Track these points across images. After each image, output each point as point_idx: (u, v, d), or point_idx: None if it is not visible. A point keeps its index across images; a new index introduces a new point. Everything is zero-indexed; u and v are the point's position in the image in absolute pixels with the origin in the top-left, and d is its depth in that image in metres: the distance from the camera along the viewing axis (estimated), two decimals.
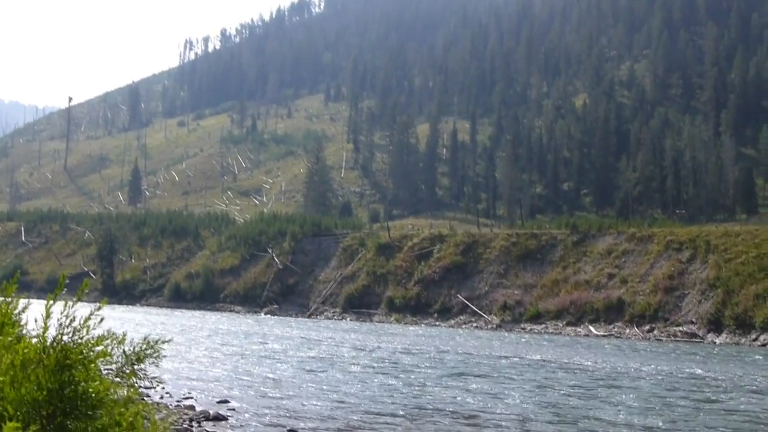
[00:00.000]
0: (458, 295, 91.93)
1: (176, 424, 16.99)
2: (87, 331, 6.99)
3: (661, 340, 72.78)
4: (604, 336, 75.67)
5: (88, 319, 6.99)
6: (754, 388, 31.81)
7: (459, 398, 25.02)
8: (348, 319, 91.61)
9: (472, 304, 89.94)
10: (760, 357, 51.67)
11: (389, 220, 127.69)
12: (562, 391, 28.00)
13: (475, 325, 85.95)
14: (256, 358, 37.62)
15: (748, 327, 71.79)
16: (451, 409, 22.37)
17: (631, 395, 27.75)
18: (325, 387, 26.38)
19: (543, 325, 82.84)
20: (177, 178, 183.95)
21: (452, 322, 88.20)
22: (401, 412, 21.20)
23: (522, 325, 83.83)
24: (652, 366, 41.39)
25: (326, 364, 35.65)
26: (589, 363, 41.76)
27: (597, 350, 54.16)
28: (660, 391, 29.63)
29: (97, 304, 7.07)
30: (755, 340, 69.75)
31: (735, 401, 27.34)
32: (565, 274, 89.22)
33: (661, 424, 21.30)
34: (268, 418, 19.82)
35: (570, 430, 19.51)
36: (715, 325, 74.12)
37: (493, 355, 45.36)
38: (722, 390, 30.86)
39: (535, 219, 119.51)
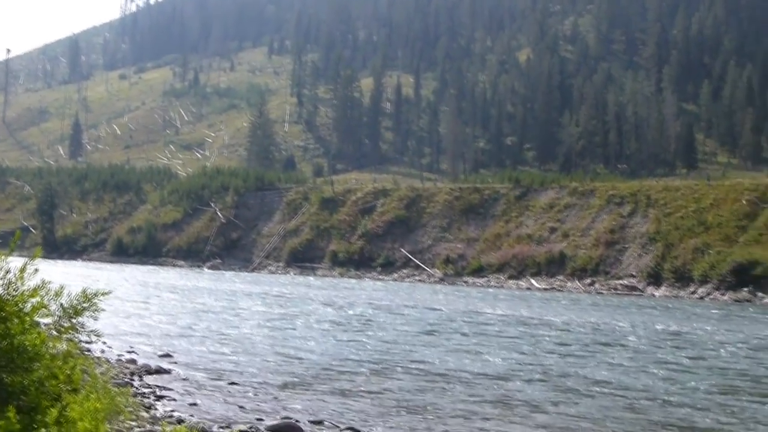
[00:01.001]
0: (402, 249, 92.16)
1: (117, 378, 16.91)
2: (22, 284, 6.91)
3: (601, 293, 73.59)
4: (545, 289, 76.33)
5: (23, 270, 6.91)
6: (738, 343, 32.34)
7: (410, 352, 25.11)
8: (292, 273, 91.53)
9: (416, 258, 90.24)
10: (717, 311, 52.49)
11: (333, 174, 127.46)
12: (526, 346, 28.25)
13: (418, 278, 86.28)
14: (199, 312, 37.52)
15: (687, 280, 72.81)
16: (404, 364, 22.45)
17: (611, 353, 28.08)
18: (269, 341, 26.38)
19: (485, 279, 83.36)
20: (119, 132, 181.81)
21: (396, 275, 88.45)
22: (353, 367, 21.19)
23: (464, 279, 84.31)
24: (611, 319, 41.87)
25: (271, 318, 35.62)
26: (559, 319, 42.11)
27: (553, 304, 54.59)
28: (646, 347, 30.01)
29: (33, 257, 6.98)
30: (693, 293, 70.78)
31: (715, 357, 27.76)
32: (508, 228, 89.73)
33: (648, 381, 21.59)
34: (210, 371, 19.80)
35: (539, 386, 19.68)
36: (655, 278, 75.08)
37: (447, 308, 45.59)
38: (687, 342, 31.34)
39: (478, 173, 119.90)
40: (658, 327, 38.07)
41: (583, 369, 22.52)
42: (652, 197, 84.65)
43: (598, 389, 19.05)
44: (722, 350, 28.79)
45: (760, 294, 66.87)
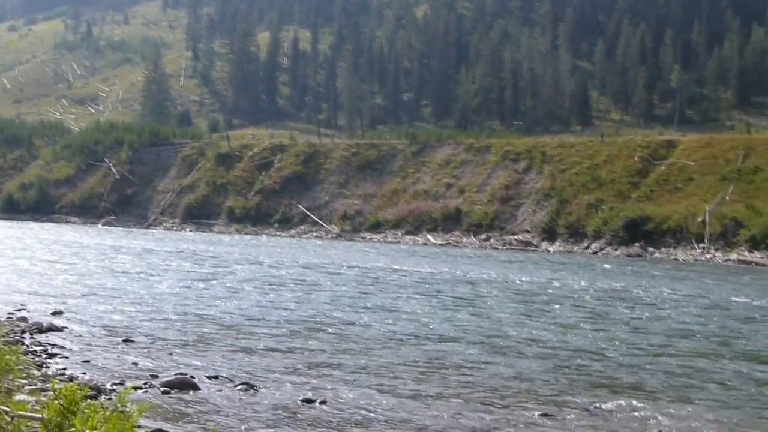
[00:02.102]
0: (299, 205, 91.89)
1: (7, 336, 16.53)
2: None
3: (497, 248, 74.37)
4: (441, 245, 76.86)
5: None
6: (671, 299, 32.87)
7: (330, 312, 25.04)
8: (188, 229, 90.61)
9: (313, 214, 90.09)
10: (635, 268, 53.38)
11: (229, 129, 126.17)
12: (454, 305, 28.37)
13: (315, 234, 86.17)
14: (93, 269, 36.88)
15: (581, 235, 74.02)
16: (321, 324, 22.38)
17: (543, 309, 28.31)
18: (165, 298, 26.04)
19: (382, 234, 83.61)
20: (8, 86, 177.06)
21: (293, 231, 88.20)
22: (266, 326, 20.98)
23: (362, 235, 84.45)
24: (524, 274, 42.30)
25: (166, 275, 35.21)
26: (476, 274, 42.31)
27: (463, 260, 54.90)
28: (569, 303, 30.32)
29: None
30: (587, 248, 72.01)
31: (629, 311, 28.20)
32: (404, 183, 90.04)
33: (580, 339, 21.78)
34: (105, 329, 19.45)
35: (468, 346, 19.75)
36: (549, 233, 76.15)
37: (349, 265, 45.60)
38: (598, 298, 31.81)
39: (375, 129, 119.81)
40: (575, 282, 38.63)
41: (515, 327, 22.71)
42: (547, 154, 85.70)
43: (531, 348, 19.17)
44: (657, 307, 29.36)
45: (651, 249, 68.31)
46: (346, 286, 31.91)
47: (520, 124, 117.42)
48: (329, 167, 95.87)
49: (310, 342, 18.01)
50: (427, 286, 33.85)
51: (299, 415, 11.69)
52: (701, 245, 66.77)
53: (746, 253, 63.82)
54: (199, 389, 13.03)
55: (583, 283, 37.80)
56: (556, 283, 37.43)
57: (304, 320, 21.48)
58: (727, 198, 71.30)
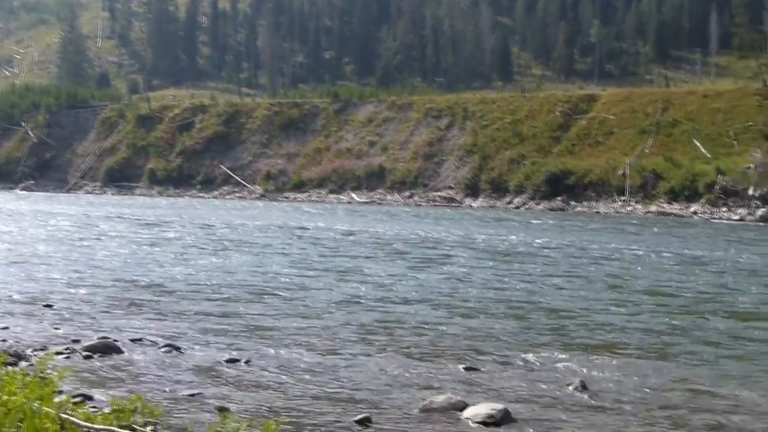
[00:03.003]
0: (221, 166, 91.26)
1: None
2: None
3: (420, 205, 74.67)
4: (366, 203, 76.96)
5: None
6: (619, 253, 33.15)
7: (271, 276, 24.90)
8: (109, 192, 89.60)
9: (236, 175, 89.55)
10: (572, 222, 53.82)
11: (149, 90, 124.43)
12: (396, 264, 28.36)
13: (239, 195, 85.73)
14: (19, 235, 36.24)
15: (503, 191, 74.60)
16: (261, 289, 22.22)
17: (499, 266, 28.40)
18: (94, 264, 25.64)
19: (306, 194, 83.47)
20: None
21: (216, 193, 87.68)
22: (201, 291, 20.76)
23: (285, 194, 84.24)
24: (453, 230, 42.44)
25: (94, 240, 34.73)
26: (434, 234, 42.33)
27: (402, 217, 54.93)
28: (505, 258, 30.46)
29: None
30: (510, 203, 72.64)
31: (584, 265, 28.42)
32: (328, 142, 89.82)
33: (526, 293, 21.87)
34: (26, 295, 19.06)
35: (411, 307, 19.76)
36: (472, 189, 76.62)
37: (289, 225, 45.42)
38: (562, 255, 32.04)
39: (297, 88, 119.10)
40: (513, 237, 38.90)
41: (467, 284, 22.81)
42: (469, 110, 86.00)
43: (478, 305, 19.27)
44: (602, 261, 29.66)
45: (573, 203, 69.09)
46: (293, 248, 31.62)
47: (442, 81, 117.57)
48: (251, 127, 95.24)
49: (251, 306, 17.77)
50: (376, 246, 33.80)
51: (222, 375, 11.64)
52: (622, 198, 67.70)
53: (665, 204, 64.85)
54: (123, 353, 12.89)
55: (526, 239, 38.09)
56: (499, 239, 37.69)
57: (248, 284, 21.18)
58: (647, 151, 72.28)
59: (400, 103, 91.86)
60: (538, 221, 53.28)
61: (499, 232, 42.17)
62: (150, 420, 8.14)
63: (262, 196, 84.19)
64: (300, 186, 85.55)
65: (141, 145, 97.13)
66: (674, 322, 16.84)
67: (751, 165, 62.93)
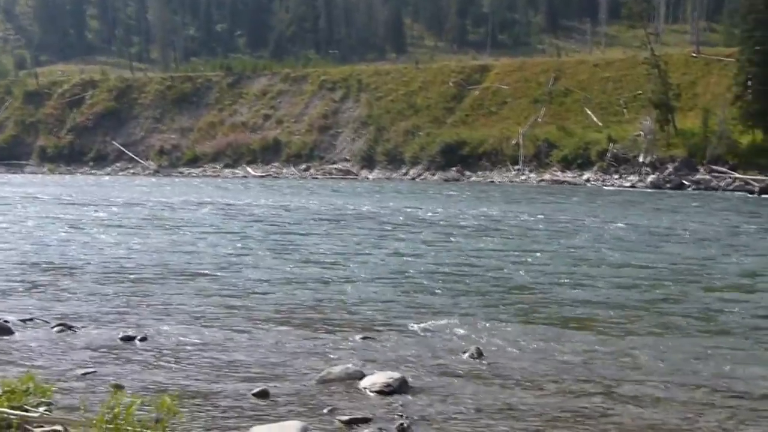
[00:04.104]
0: (114, 142, 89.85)
1: None
2: None
3: (317, 178, 74.59)
4: (261, 176, 76.55)
5: None
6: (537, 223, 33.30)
7: (174, 254, 24.51)
8: None
9: (129, 151, 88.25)
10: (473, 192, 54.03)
11: (37, 66, 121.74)
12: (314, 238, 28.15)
13: (132, 171, 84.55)
14: None
15: (399, 162, 74.90)
16: (166, 266, 21.87)
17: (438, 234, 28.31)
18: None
19: (201, 169, 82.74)
20: None
21: (109, 169, 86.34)
22: (110, 271, 20.34)
23: (180, 169, 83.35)
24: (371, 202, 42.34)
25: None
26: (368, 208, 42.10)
27: (316, 191, 54.64)
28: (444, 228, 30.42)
29: None
30: (405, 174, 72.98)
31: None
32: (222, 116, 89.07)
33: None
34: None
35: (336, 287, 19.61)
36: (368, 161, 76.77)
37: (199, 201, 44.86)
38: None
39: (189, 62, 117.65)
40: (428, 209, 38.97)
41: (375, 255, 22.75)
42: (363, 82, 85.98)
43: (389, 276, 19.26)
44: (510, 230, 29.85)
45: (468, 173, 69.68)
46: (207, 226, 31.02)
47: (336, 53, 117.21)
48: (143, 102, 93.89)
49: (152, 286, 17.42)
50: (295, 221, 33.58)
51: (117, 353, 11.47)
52: (516, 167, 68.53)
53: (559, 173, 65.88)
54: (13, 333, 12.60)
55: (439, 210, 38.27)
56: (409, 210, 37.83)
57: (158, 263, 20.74)
58: (540, 120, 73.25)
59: (294, 76, 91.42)
60: (435, 191, 53.65)
61: (405, 204, 42.33)
62: (43, 400, 7.98)
63: (156, 172, 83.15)
64: (194, 161, 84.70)
65: (29, 122, 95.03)
66: (576, 290, 17.10)
67: (641, 132, 64.18)
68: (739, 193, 53.63)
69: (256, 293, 16.44)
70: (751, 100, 60.64)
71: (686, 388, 10.05)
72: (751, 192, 53.52)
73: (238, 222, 32.13)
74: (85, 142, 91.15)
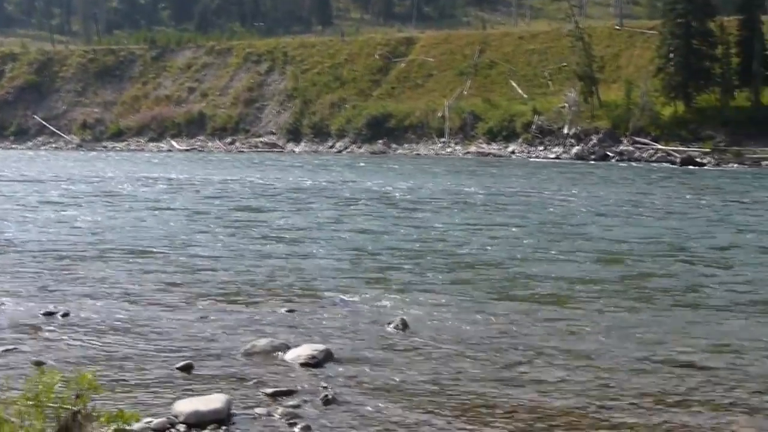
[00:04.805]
0: (35, 116, 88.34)
1: None
2: None
3: (242, 151, 74.18)
4: (186, 150, 75.91)
5: None
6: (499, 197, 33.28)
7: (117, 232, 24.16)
8: None
9: (51, 125, 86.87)
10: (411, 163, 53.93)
11: None
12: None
13: (54, 146, 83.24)
14: None
15: (325, 135, 74.71)
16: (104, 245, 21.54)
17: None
18: None
19: (125, 143, 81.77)
20: None
21: (30, 144, 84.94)
22: (26, 247, 20.02)
23: (104, 144, 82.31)
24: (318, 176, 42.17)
25: None
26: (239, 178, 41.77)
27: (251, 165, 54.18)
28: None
29: None
30: (332, 147, 72.82)
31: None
32: (146, 89, 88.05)
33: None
34: None
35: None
36: (294, 134, 76.47)
37: (129, 176, 44.24)
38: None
39: (112, 35, 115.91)
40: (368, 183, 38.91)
41: (309, 229, 22.64)
42: (288, 54, 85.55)
43: (320, 248, 19.21)
44: (437, 203, 29.89)
45: (394, 145, 69.78)
46: (141, 201, 30.49)
47: (261, 26, 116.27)
48: (65, 75, 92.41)
49: (80, 263, 17.13)
50: (227, 195, 33.32)
51: (39, 330, 11.32)
52: (442, 140, 68.73)
53: (484, 145, 66.23)
54: None
55: (383, 184, 38.25)
56: (350, 184, 37.79)
57: (94, 240, 20.33)
58: (465, 93, 73.50)
59: (218, 49, 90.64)
60: (364, 164, 53.67)
61: (343, 177, 42.32)
62: None
63: (80, 146, 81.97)
64: (118, 135, 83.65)
65: None
66: (510, 262, 17.25)
67: (566, 104, 64.73)
68: (662, 164, 54.42)
69: (185, 268, 16.31)
70: (673, 73, 61.43)
71: (612, 355, 10.21)
72: (673, 163, 54.34)
73: (173, 197, 31.82)
74: (5, 116, 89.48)
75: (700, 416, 8.24)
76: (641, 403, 8.59)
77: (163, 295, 13.74)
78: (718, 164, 53.11)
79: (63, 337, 10.93)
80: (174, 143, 79.45)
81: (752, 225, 23.18)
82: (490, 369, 9.71)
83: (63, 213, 26.06)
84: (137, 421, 7.11)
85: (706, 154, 55.50)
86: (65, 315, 12.11)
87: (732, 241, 19.90)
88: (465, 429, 7.91)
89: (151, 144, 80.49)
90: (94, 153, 74.44)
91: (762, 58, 60.37)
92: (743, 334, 11.30)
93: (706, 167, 51.88)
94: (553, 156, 60.82)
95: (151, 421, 7.70)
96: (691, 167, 51.64)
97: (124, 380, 9.05)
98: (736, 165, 52.60)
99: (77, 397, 6.65)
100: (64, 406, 6.61)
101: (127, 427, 6.79)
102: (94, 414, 6.68)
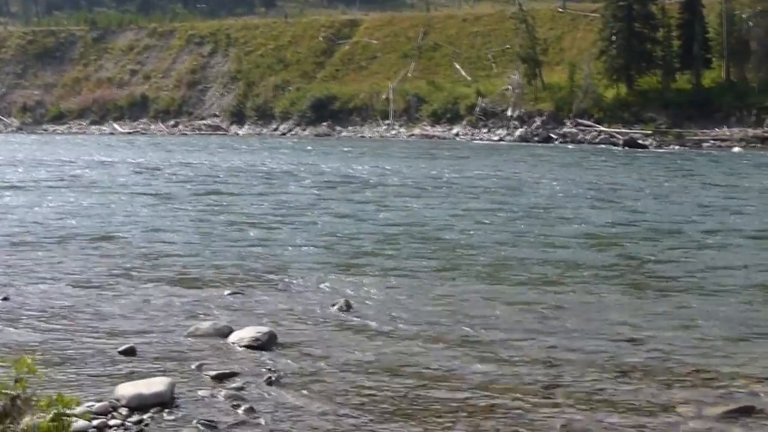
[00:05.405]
0: None
1: None
2: None
3: (186, 134, 73.69)
4: (129, 133, 75.24)
5: None
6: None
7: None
8: None
9: None
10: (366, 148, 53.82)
11: None
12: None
13: None
14: None
15: (269, 117, 74.44)
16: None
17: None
18: None
19: (67, 125, 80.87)
20: None
21: None
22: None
23: (44, 127, 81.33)
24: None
25: None
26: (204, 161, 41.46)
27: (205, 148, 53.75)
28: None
29: None
30: (276, 129, 72.54)
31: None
32: (87, 71, 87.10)
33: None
34: None
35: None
36: (238, 116, 76.13)
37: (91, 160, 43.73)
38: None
39: (52, 16, 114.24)
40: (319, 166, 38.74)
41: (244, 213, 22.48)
42: (232, 36, 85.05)
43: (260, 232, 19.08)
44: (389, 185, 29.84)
45: (338, 128, 69.68)
46: (101, 185, 29.93)
47: (204, 7, 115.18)
48: (4, 57, 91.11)
49: (33, 248, 16.75)
50: (174, 180, 33.01)
51: None
52: (386, 122, 68.74)
53: (428, 127, 66.36)
54: None
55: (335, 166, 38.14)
56: (303, 167, 37.68)
57: (42, 225, 20.04)
58: (409, 75, 73.55)
59: (161, 30, 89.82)
60: (311, 147, 53.54)
61: (283, 160, 42.17)
62: None
63: (20, 129, 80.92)
64: (59, 117, 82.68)
65: None
66: (460, 244, 17.32)
67: (509, 87, 64.96)
68: (604, 145, 54.81)
69: (134, 252, 16.15)
70: (615, 55, 61.93)
71: (562, 333, 10.29)
72: (616, 144, 54.78)
73: (129, 180, 31.47)
74: None
75: (642, 390, 8.36)
76: (584, 376, 8.67)
77: (108, 279, 13.61)
78: (659, 146, 53.62)
79: (2, 321, 10.79)
80: (116, 126, 78.69)
81: (716, 206, 23.38)
82: (434, 348, 9.74)
83: (18, 198, 25.62)
84: (78, 405, 7.02)
85: (648, 136, 56.01)
86: (5, 299, 11.96)
87: (702, 223, 20.06)
88: (408, 408, 7.92)
89: (93, 127, 79.64)
90: (35, 136, 73.47)
91: (703, 41, 61.05)
92: (700, 312, 11.44)
93: (648, 149, 52.36)
94: (496, 138, 61.05)
95: (92, 405, 7.61)
96: (633, 149, 52.10)
97: (65, 365, 8.96)
98: (677, 147, 53.14)
99: (16, 381, 6.56)
100: (3, 391, 6.52)
101: (68, 412, 6.70)
102: (33, 399, 6.60)
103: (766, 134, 54.06)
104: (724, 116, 56.97)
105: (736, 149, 51.02)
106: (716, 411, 7.84)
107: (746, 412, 7.85)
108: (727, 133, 54.98)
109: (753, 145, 52.61)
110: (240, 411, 7.74)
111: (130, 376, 8.50)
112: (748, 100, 57.14)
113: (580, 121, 60.22)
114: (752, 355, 9.59)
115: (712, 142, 54.23)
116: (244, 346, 9.65)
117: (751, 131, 54.63)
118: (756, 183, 29.64)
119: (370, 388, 8.41)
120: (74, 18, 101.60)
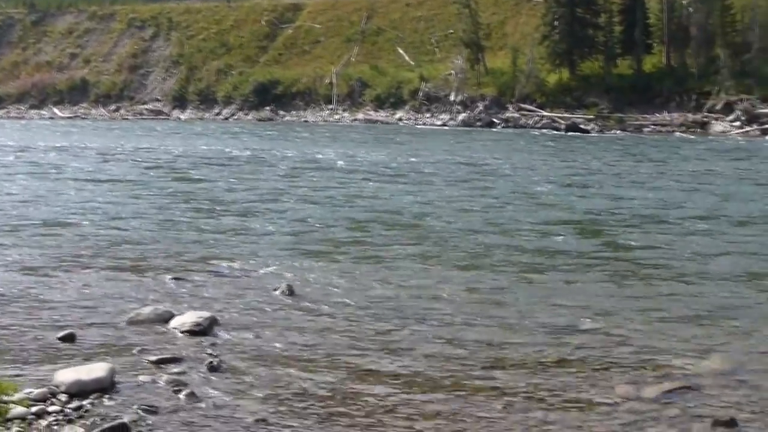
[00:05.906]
0: None
1: None
2: None
3: (127, 118, 73.01)
4: (69, 118, 74.40)
5: None
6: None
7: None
8: None
9: None
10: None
11: None
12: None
13: None
14: None
15: (212, 102, 74.02)
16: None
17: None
18: None
19: (5, 110, 79.77)
20: None
21: None
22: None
23: None
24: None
25: None
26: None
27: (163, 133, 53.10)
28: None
29: None
30: (218, 114, 72.14)
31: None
32: (25, 55, 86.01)
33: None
34: None
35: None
36: (180, 101, 75.60)
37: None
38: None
39: None
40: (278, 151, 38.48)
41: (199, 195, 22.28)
42: (173, 20, 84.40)
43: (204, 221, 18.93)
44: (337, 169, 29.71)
45: (281, 112, 69.49)
46: (53, 171, 29.49)
47: None
48: None
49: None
50: (123, 165, 32.62)
51: None
52: (329, 106, 68.63)
53: (372, 112, 66.37)
54: None
55: (292, 153, 37.91)
56: (255, 152, 37.39)
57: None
58: (353, 59, 73.45)
59: (101, 14, 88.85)
60: (264, 132, 53.28)
61: (228, 144, 41.92)
62: None
63: None
64: None
65: None
66: (391, 229, 17.29)
67: (452, 72, 65.11)
68: (547, 130, 55.14)
69: (79, 238, 15.97)
70: (557, 40, 62.37)
71: (506, 321, 10.34)
72: (558, 129, 55.15)
73: (81, 166, 31.06)
74: None
75: (583, 372, 8.43)
76: (523, 365, 8.71)
77: (55, 266, 13.42)
78: (601, 131, 54.03)
79: None
80: (56, 110, 77.77)
81: (675, 189, 23.63)
82: (374, 334, 9.74)
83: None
84: (15, 391, 6.94)
85: (590, 120, 56.43)
86: None
87: (665, 207, 20.26)
88: (349, 392, 7.92)
89: (32, 111, 78.66)
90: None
91: (644, 27, 61.61)
92: (663, 296, 11.55)
93: (590, 133, 52.74)
94: (440, 123, 61.16)
95: (31, 392, 7.51)
96: (575, 134, 52.44)
97: (2, 351, 8.83)
98: (618, 131, 53.61)
99: None
100: None
101: (5, 398, 6.62)
102: None
103: (705, 119, 54.72)
104: (665, 101, 57.59)
105: (677, 134, 51.57)
106: (654, 391, 7.93)
107: (684, 390, 7.96)
108: (668, 118, 55.54)
109: (693, 129, 53.21)
110: (181, 396, 7.69)
111: (70, 363, 8.40)
112: (687, 85, 57.77)
113: (522, 106, 60.55)
114: (694, 334, 9.70)
115: (652, 127, 54.75)
116: (186, 332, 9.58)
117: (690, 116, 55.26)
118: (694, 166, 30.02)
119: (311, 372, 8.39)
120: (12, 1, 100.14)
